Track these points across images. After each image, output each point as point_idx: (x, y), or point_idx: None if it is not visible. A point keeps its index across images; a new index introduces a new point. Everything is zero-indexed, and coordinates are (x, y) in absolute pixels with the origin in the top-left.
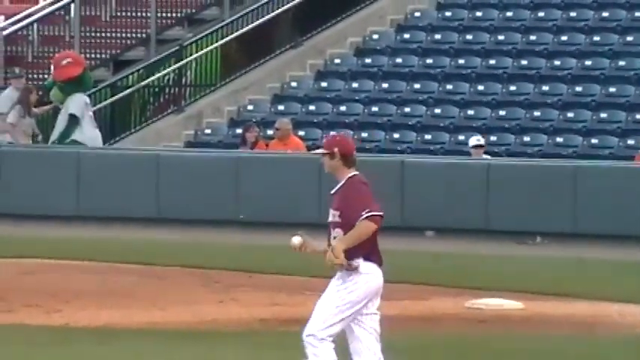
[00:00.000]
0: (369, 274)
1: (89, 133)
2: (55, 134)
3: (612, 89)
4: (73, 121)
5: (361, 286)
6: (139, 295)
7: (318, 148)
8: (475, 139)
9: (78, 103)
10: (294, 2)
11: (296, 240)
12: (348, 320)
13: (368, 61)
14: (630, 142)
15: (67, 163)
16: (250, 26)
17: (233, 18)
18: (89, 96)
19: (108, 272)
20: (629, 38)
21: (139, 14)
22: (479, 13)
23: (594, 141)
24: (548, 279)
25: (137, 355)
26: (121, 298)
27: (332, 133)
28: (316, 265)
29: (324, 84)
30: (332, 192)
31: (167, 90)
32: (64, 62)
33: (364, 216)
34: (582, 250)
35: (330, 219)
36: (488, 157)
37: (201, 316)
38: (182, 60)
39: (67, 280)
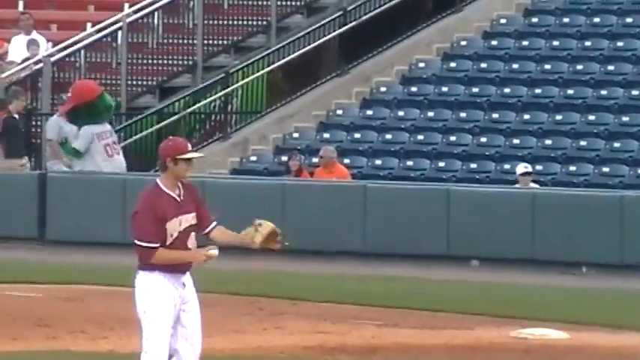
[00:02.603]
0: None
1: (103, 165)
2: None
3: None
4: (77, 154)
5: None
6: None
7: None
8: (523, 167)
9: (83, 137)
10: (341, 30)
11: (216, 251)
12: None
13: (414, 89)
14: None
15: (114, 189)
16: (296, 54)
17: (279, 46)
18: (135, 123)
19: None
20: None
21: (185, 41)
22: (525, 42)
23: None
24: (595, 309)
25: None
26: None
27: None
28: (362, 292)
29: (369, 112)
30: (181, 198)
31: (213, 117)
32: (65, 97)
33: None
34: (629, 281)
35: (188, 224)
36: (536, 185)
37: (245, 344)
38: (228, 87)
39: (113, 307)
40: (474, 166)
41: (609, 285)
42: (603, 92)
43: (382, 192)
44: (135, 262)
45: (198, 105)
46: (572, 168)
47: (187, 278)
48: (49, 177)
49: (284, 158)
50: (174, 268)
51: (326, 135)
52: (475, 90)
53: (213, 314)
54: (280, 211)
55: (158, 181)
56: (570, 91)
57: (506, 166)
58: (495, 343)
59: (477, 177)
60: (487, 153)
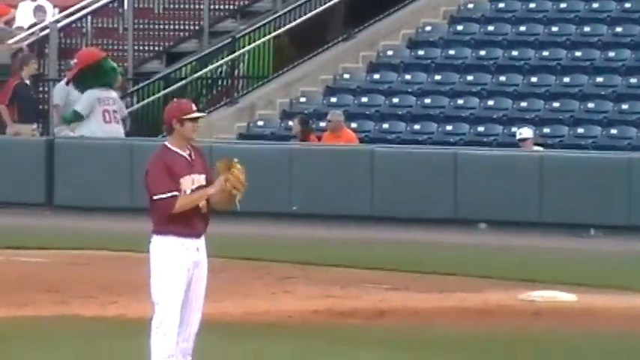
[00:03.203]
0: None
1: (98, 130)
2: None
3: None
4: (78, 117)
5: None
6: None
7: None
8: (519, 133)
9: (86, 99)
10: None
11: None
12: None
13: (421, 53)
14: None
15: (121, 154)
16: (303, 18)
17: (286, 10)
18: (142, 89)
19: None
20: None
21: (192, 6)
22: (532, 5)
23: None
24: (603, 272)
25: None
26: None
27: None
28: (371, 256)
29: (376, 76)
30: (192, 158)
31: (220, 82)
32: (72, 64)
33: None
34: (636, 242)
35: (199, 184)
36: (540, 148)
37: (253, 309)
38: (235, 52)
39: (121, 272)
40: (481, 129)
41: (617, 247)
42: (611, 54)
43: (390, 156)
44: (147, 227)
45: (205, 70)
46: (580, 130)
47: (202, 242)
48: (57, 143)
49: (291, 123)
50: (190, 232)
51: (333, 99)
52: (482, 53)
53: (222, 279)
54: (287, 175)
55: (167, 143)
56: (578, 53)
57: (514, 129)
58: (504, 305)
59: (485, 140)
60: (494, 116)
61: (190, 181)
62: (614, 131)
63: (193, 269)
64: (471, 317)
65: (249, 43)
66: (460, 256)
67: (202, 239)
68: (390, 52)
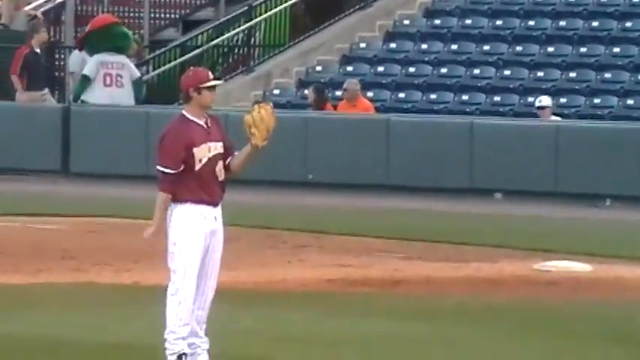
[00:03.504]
0: None
1: (98, 93)
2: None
3: None
4: (85, 81)
5: None
6: None
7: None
8: (538, 101)
9: (91, 63)
10: None
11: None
12: None
13: (437, 22)
14: None
15: (137, 121)
16: None
17: None
18: (158, 56)
19: None
20: None
21: None
22: None
23: None
24: (618, 242)
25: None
26: None
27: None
28: (385, 225)
29: (392, 45)
30: (208, 126)
31: (236, 50)
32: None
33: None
34: None
35: (217, 152)
36: (558, 118)
37: (269, 277)
38: (251, 20)
39: (136, 240)
40: (497, 99)
41: (633, 217)
42: (628, 24)
43: (405, 125)
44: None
45: (221, 38)
46: (597, 100)
47: (219, 211)
48: (73, 110)
49: (306, 92)
50: (208, 200)
51: (349, 68)
52: (499, 22)
53: (237, 247)
54: (303, 144)
55: (184, 112)
56: (595, 24)
57: (530, 99)
58: (519, 275)
59: (501, 110)
60: (511, 86)
61: (207, 149)
62: (630, 102)
63: (210, 238)
64: (485, 287)
65: (266, 12)
66: (475, 226)
67: (219, 208)
68: (406, 22)
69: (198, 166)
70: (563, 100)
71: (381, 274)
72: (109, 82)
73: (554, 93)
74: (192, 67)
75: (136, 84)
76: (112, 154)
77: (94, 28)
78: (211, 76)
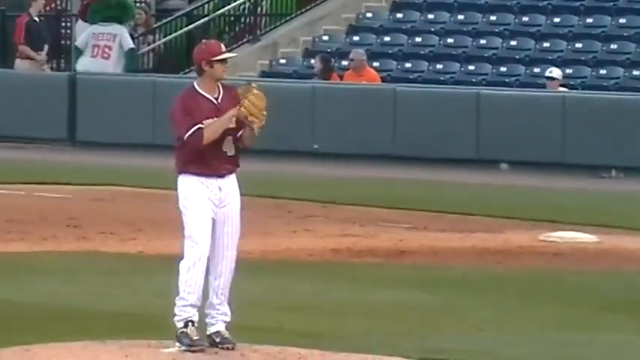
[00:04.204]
0: None
1: (85, 63)
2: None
3: None
4: (76, 51)
5: None
6: None
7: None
8: (548, 71)
9: (84, 35)
10: None
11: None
12: None
13: None
14: None
15: (143, 90)
16: None
17: None
18: (164, 25)
19: None
20: None
21: None
22: None
23: None
24: (624, 213)
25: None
26: None
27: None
28: (391, 195)
29: (399, 15)
30: (218, 101)
31: (243, 19)
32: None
33: None
34: None
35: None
36: (565, 89)
37: (274, 246)
38: None
39: (141, 209)
40: (503, 69)
41: (638, 188)
42: None
43: (412, 95)
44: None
45: (227, 7)
46: (603, 71)
47: (225, 182)
48: (79, 79)
49: (313, 61)
50: (209, 172)
51: (356, 38)
52: None
53: (243, 217)
54: (310, 114)
55: (195, 84)
56: None
57: (536, 70)
58: (524, 246)
59: (507, 80)
60: (517, 56)
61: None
62: (636, 72)
63: (218, 207)
64: (491, 257)
65: None
66: (481, 197)
67: (228, 179)
68: None
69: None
70: (569, 71)
71: (387, 244)
72: (95, 53)
73: (560, 64)
74: (204, 40)
75: (128, 55)
76: (118, 122)
77: (81, 9)
78: (224, 48)
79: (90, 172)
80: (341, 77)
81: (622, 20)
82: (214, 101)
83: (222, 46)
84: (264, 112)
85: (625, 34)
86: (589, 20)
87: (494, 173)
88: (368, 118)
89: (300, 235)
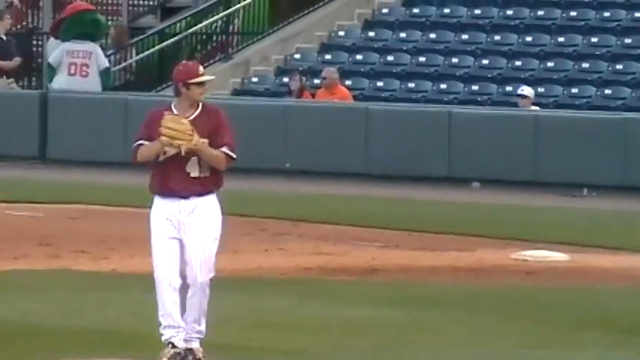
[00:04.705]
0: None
1: (63, 82)
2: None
3: None
4: (50, 69)
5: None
6: None
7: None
8: (520, 89)
9: (57, 51)
10: None
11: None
12: None
13: (416, 11)
14: None
15: (115, 108)
16: None
17: None
18: (136, 43)
19: None
20: None
21: None
22: None
23: None
24: (595, 231)
25: None
26: None
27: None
28: (364, 213)
29: (371, 33)
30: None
31: (215, 37)
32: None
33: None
34: (629, 202)
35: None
36: (537, 108)
37: (246, 265)
38: (230, 7)
39: (114, 227)
40: (475, 88)
41: (610, 207)
42: (606, 14)
43: (384, 114)
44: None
45: (199, 25)
46: (574, 90)
47: (189, 204)
48: (50, 96)
49: (285, 79)
50: (167, 193)
51: (328, 56)
52: (477, 12)
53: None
54: (282, 132)
55: (172, 103)
56: (573, 13)
57: (508, 88)
58: (497, 264)
59: (479, 99)
60: (489, 75)
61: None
62: (608, 91)
63: (179, 229)
64: (464, 275)
65: None
66: (453, 215)
67: (192, 201)
68: (385, 10)
69: (161, 158)
70: (541, 90)
71: (360, 262)
72: (74, 71)
73: (532, 82)
74: (183, 61)
75: (103, 74)
76: (90, 140)
77: (66, 15)
78: (201, 70)
79: (62, 190)
80: (313, 95)
81: (593, 39)
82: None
83: (201, 68)
84: (189, 132)
85: (597, 53)
86: (560, 39)
87: (466, 191)
88: (340, 136)
89: (273, 254)
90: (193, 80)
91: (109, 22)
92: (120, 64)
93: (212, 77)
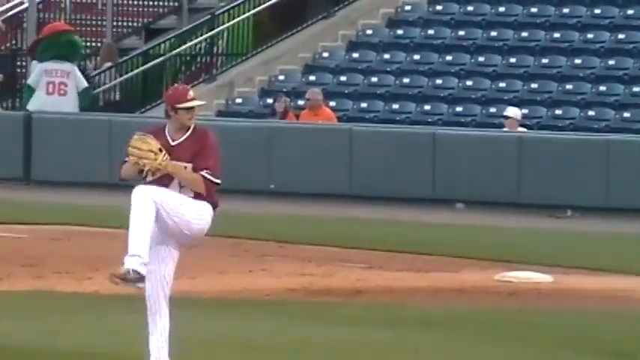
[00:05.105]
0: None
1: (41, 101)
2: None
3: None
4: (28, 90)
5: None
6: None
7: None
8: (506, 111)
9: (35, 72)
10: None
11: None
12: None
13: (400, 32)
14: None
15: (99, 129)
16: None
17: None
18: (120, 64)
19: None
20: None
21: None
22: None
23: (627, 115)
24: (579, 253)
25: None
26: None
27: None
28: (348, 235)
29: (355, 55)
30: (175, 143)
31: (199, 59)
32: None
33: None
34: (613, 224)
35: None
36: (524, 129)
37: (230, 286)
38: (214, 29)
39: (97, 248)
40: (459, 109)
41: (594, 228)
42: (590, 35)
43: (368, 135)
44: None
45: (183, 47)
46: (558, 111)
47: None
48: (34, 117)
49: (269, 100)
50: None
51: (312, 77)
52: (461, 33)
53: (199, 256)
54: (266, 153)
55: (167, 123)
56: (557, 35)
57: (492, 110)
58: (480, 286)
59: (463, 120)
60: (473, 96)
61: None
62: (592, 113)
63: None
64: (447, 296)
65: (229, 20)
66: (437, 236)
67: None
68: (369, 31)
69: (148, 178)
70: (525, 111)
71: (344, 283)
72: (52, 90)
73: (516, 104)
74: (175, 85)
75: (82, 94)
76: (74, 161)
77: (43, 36)
78: (190, 95)
79: (45, 211)
80: (297, 116)
81: (577, 61)
82: (170, 141)
83: (191, 93)
84: (155, 151)
85: (580, 75)
86: (544, 60)
87: (450, 213)
88: (324, 158)
89: (257, 275)
90: (181, 105)
91: (97, 44)
92: (105, 84)
93: (201, 102)
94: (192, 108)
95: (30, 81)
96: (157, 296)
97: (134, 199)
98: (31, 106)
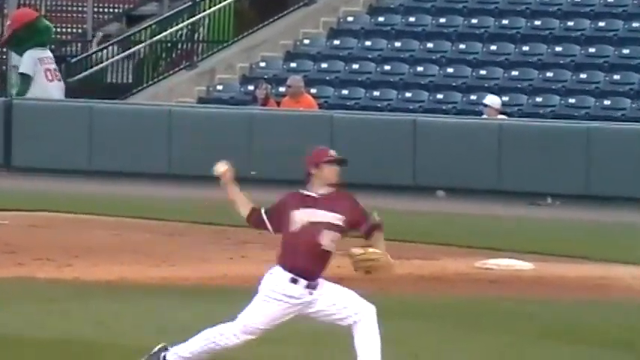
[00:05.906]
0: None
1: (41, 88)
2: (13, 93)
3: (626, 51)
4: (24, 79)
5: None
6: (149, 251)
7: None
8: (487, 98)
9: (27, 60)
10: None
11: (222, 167)
12: None
13: (381, 19)
14: None
15: (80, 117)
16: None
17: None
18: (101, 50)
19: (119, 228)
20: None
21: None
22: None
23: (607, 102)
24: (560, 240)
25: (147, 311)
26: (132, 254)
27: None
28: None
29: (337, 42)
30: (319, 196)
31: (180, 46)
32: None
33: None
34: (593, 212)
35: (320, 220)
36: (505, 117)
37: (211, 273)
38: (195, 15)
39: (78, 235)
40: (440, 96)
41: (574, 216)
42: (570, 23)
43: (349, 122)
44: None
45: (164, 33)
46: (539, 99)
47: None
48: (15, 104)
49: (250, 87)
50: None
51: (293, 65)
52: (442, 20)
53: (180, 243)
54: (247, 140)
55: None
56: (537, 22)
57: (473, 97)
58: (461, 273)
59: (444, 108)
60: (454, 84)
61: (305, 215)
62: (572, 100)
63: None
64: (428, 284)
65: (210, 7)
66: (418, 223)
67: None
68: (350, 19)
69: (292, 227)
70: (505, 99)
71: (325, 270)
72: (51, 77)
73: (496, 91)
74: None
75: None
76: (54, 148)
77: (20, 25)
78: (331, 152)
79: (26, 197)
80: (278, 103)
81: (558, 48)
82: (314, 195)
83: (331, 151)
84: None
85: (561, 62)
86: (525, 48)
87: (430, 200)
88: (305, 145)
89: (237, 262)
90: (325, 159)
91: (78, 30)
92: (85, 70)
93: (343, 157)
94: (336, 162)
95: (25, 69)
96: None
97: None
98: (33, 93)
